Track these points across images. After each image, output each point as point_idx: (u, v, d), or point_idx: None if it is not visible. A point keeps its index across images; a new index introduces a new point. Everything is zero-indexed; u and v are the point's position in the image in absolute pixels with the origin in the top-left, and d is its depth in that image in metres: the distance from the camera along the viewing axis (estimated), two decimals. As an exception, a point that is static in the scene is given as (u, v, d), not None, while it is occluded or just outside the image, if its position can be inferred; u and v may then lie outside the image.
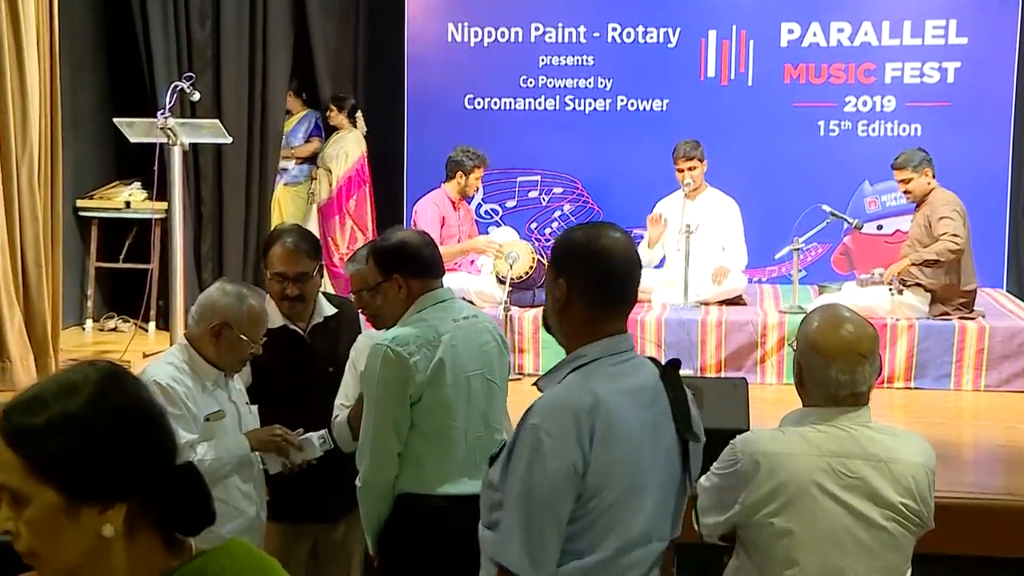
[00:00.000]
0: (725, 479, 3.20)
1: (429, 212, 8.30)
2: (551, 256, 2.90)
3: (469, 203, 8.96)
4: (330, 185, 9.56)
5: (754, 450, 3.16)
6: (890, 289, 7.76)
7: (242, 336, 4.09)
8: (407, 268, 3.95)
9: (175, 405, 3.95)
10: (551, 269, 2.88)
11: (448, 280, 4.16)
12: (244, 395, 4.37)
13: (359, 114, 9.73)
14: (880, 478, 3.13)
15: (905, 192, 7.98)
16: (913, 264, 7.69)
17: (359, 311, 4.50)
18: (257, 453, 4.27)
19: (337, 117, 9.65)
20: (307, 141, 9.87)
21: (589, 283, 2.80)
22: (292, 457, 4.32)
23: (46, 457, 1.85)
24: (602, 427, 2.67)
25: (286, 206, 9.68)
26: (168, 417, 2.00)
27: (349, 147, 9.59)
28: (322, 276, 4.86)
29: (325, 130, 9.90)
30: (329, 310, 4.74)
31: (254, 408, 4.39)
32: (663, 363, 2.88)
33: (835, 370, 3.16)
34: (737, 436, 3.24)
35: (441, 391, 3.83)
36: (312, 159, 9.86)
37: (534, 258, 8.11)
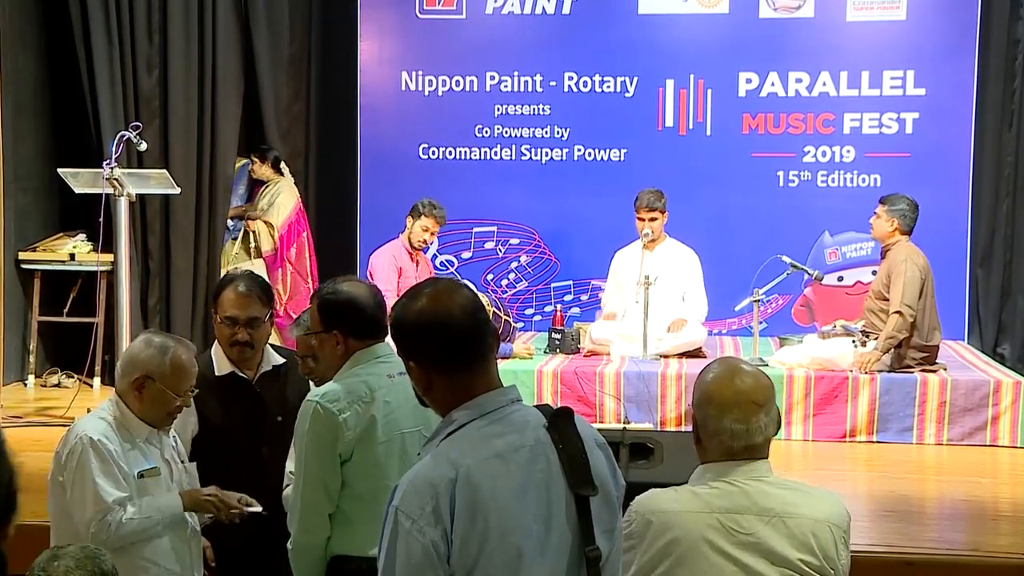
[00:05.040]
0: (623, 540, 3.13)
1: (385, 263, 8.25)
2: (395, 340, 2.82)
3: (425, 252, 8.82)
4: (272, 237, 9.35)
5: (646, 509, 3.14)
6: (853, 341, 7.76)
7: (165, 389, 4.00)
8: (348, 326, 3.84)
9: (105, 461, 3.89)
10: (400, 354, 2.81)
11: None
12: (179, 451, 4.25)
13: (283, 164, 9.53)
14: (775, 534, 3.07)
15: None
16: (883, 352, 7.63)
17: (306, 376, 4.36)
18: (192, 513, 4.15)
19: (260, 169, 9.43)
20: (251, 196, 9.72)
21: (439, 358, 2.72)
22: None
23: None
24: (464, 501, 2.54)
25: (230, 259, 9.48)
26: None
27: (284, 197, 9.38)
28: (272, 325, 4.77)
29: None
30: (277, 359, 4.68)
31: (192, 466, 4.29)
32: (554, 410, 2.75)
33: (729, 420, 3.10)
34: (636, 497, 3.21)
35: (372, 449, 3.72)
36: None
37: (490, 311, 7.99)
